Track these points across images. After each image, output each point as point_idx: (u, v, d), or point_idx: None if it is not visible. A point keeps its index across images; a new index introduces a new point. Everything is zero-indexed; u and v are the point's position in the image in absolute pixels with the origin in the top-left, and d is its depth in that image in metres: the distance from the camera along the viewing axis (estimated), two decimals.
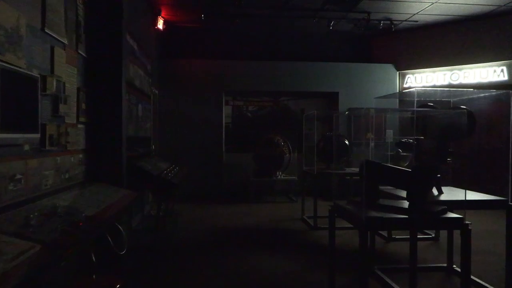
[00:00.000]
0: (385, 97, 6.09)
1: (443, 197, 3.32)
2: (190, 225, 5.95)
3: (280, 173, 8.26)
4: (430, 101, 3.79)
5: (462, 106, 3.11)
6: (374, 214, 2.46)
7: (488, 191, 3.55)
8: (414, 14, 7.56)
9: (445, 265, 3.96)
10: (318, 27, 8.25)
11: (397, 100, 7.37)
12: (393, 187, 3.03)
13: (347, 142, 5.97)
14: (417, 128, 3.54)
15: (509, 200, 3.23)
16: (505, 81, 7.50)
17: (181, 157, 7.95)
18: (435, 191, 3.45)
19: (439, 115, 3.13)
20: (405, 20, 7.92)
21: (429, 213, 2.47)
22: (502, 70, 7.61)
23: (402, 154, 4.96)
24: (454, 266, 3.89)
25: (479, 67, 7.88)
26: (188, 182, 7.56)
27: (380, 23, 7.92)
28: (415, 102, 3.02)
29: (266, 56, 8.91)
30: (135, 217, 5.62)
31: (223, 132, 8.63)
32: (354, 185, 6.20)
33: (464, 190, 3.78)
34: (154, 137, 7.70)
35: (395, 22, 8.00)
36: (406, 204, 2.69)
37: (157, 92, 7.97)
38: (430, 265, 4.09)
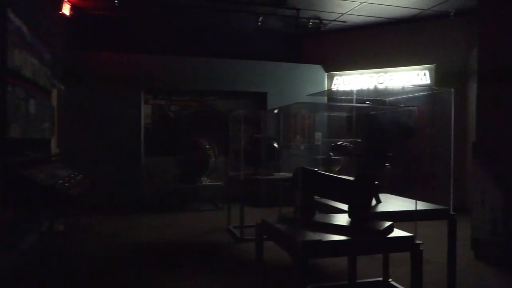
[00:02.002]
0: (317, 94, 5.78)
1: (383, 207, 2.96)
2: (102, 241, 5.13)
3: (206, 178, 7.65)
4: (365, 100, 3.45)
5: (401, 105, 2.79)
6: (311, 236, 1.96)
7: (424, 198, 3.27)
8: (343, 14, 7.40)
9: (381, 279, 3.63)
10: (246, 23, 7.79)
11: (326, 99, 7.13)
12: (333, 200, 2.59)
13: (276, 145, 5.54)
14: (352, 130, 3.16)
15: (451, 209, 2.96)
16: (428, 84, 7.61)
17: (93, 162, 7.00)
18: (373, 201, 3.08)
19: (378, 114, 2.77)
20: (334, 20, 7.75)
21: (374, 232, 2.04)
22: (425, 74, 7.73)
23: (333, 157, 4.63)
24: (391, 280, 3.58)
25: (404, 70, 7.96)
26: (101, 191, 6.65)
27: (309, 22, 7.66)
28: (354, 100, 2.61)
29: (191, 52, 8.23)
30: (27, 236, 4.65)
31: (142, 134, 7.78)
32: (284, 192, 5.78)
33: (401, 198, 3.51)
34: (59, 139, 6.67)
35: (324, 22, 7.80)
36: (346, 219, 2.24)
37: (63, 87, 6.92)
38: (364, 280, 3.72)
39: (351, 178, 2.20)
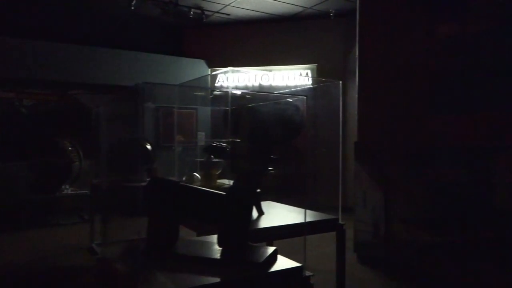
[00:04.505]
0: (189, 83, 5.20)
1: (266, 222, 2.48)
2: None
3: (68, 186, 6.49)
4: (245, 94, 2.96)
5: (288, 100, 2.37)
6: (161, 283, 1.33)
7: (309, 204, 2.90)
8: (226, 6, 6.92)
9: None
10: (117, 7, 6.81)
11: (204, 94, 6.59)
12: (200, 221, 2.00)
13: (149, 146, 4.78)
14: (228, 127, 2.63)
15: (339, 219, 2.61)
16: (310, 84, 7.57)
17: None
18: (254, 212, 2.59)
19: (259, 108, 2.28)
20: (217, 12, 7.23)
21: (254, 265, 1.50)
22: (307, 74, 7.68)
23: (214, 160, 4.09)
24: None
25: (287, 69, 7.80)
26: None
27: (191, 11, 7.02)
28: (229, 91, 2.07)
29: (50, 36, 6.92)
30: None
31: None
32: None
33: (285, 206, 3.09)
34: None
35: (207, 13, 7.22)
36: (216, 248, 1.66)
37: None
38: None
39: (223, 192, 1.64)
